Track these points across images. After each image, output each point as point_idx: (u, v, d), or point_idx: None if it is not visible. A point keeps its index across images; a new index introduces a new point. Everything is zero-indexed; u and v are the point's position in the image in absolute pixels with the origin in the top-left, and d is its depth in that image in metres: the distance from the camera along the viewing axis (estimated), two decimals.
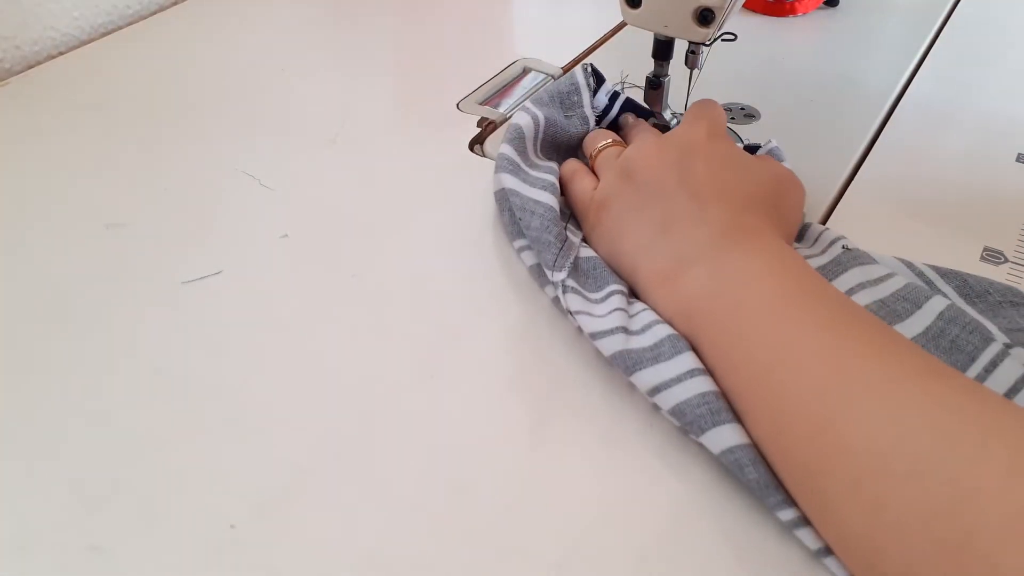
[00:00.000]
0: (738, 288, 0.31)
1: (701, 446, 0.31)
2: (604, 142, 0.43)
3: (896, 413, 0.25)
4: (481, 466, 0.30)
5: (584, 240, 0.39)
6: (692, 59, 0.43)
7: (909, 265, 0.37)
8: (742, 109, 0.52)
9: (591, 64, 0.47)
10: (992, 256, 0.41)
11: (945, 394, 0.25)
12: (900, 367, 0.27)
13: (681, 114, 0.48)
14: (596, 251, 0.38)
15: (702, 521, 0.29)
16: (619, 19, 0.42)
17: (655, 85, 0.46)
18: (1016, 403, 0.26)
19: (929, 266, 0.36)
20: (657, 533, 0.28)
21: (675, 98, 0.47)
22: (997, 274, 0.40)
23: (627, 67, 0.46)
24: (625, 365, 0.32)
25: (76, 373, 0.34)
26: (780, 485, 0.28)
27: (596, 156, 0.42)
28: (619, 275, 0.37)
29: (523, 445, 0.31)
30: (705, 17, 0.39)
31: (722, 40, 0.43)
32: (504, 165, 0.41)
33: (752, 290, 0.31)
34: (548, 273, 0.36)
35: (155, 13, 0.64)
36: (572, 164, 0.43)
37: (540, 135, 0.44)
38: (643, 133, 0.43)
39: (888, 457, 0.24)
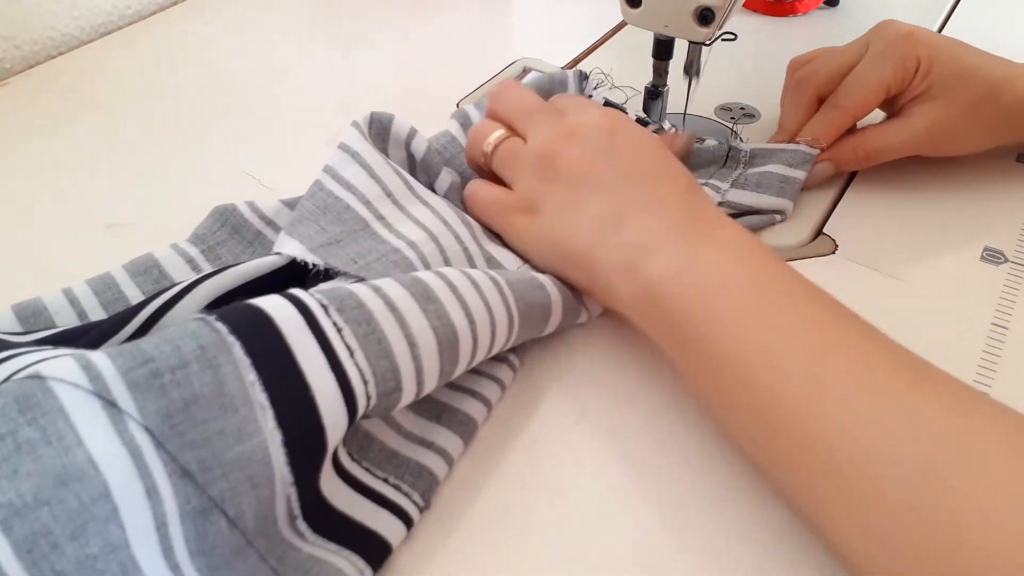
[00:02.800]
0: (710, 278, 0.30)
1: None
2: (497, 133, 0.39)
3: (885, 429, 0.25)
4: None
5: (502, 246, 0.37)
6: (692, 67, 0.43)
7: None
8: (742, 109, 0.52)
9: (582, 71, 0.46)
10: (992, 256, 0.41)
11: (934, 403, 0.25)
12: (886, 375, 0.26)
13: (673, 125, 0.48)
14: (531, 258, 0.36)
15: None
16: (619, 19, 0.42)
17: (654, 95, 0.46)
18: (1003, 404, 0.25)
19: None
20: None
21: (675, 98, 0.47)
22: (997, 274, 0.40)
23: (627, 67, 0.46)
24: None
25: None
26: None
27: (493, 152, 0.38)
28: (568, 279, 0.35)
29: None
30: (705, 17, 0.39)
31: (722, 40, 0.43)
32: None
33: (726, 281, 0.30)
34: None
35: (155, 13, 0.64)
36: (475, 180, 0.40)
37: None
38: (528, 114, 0.38)
39: (880, 482, 0.24)
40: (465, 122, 0.44)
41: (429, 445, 0.30)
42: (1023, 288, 0.39)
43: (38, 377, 0.21)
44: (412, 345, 0.27)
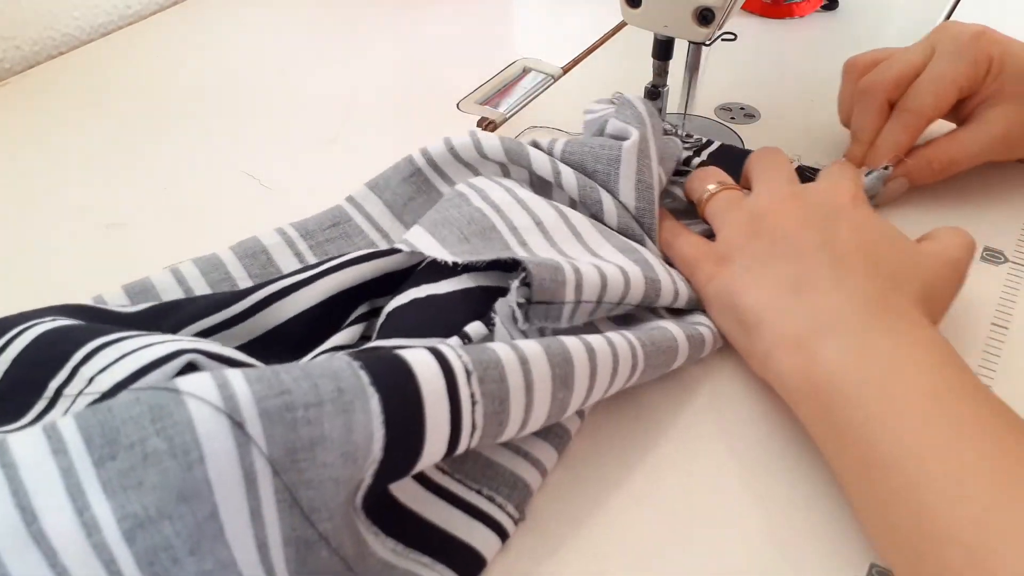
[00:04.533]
0: (887, 376, 0.27)
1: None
2: (714, 185, 0.38)
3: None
4: None
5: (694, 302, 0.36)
6: (692, 59, 0.43)
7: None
8: (742, 109, 0.52)
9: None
10: (992, 256, 0.41)
11: None
12: None
13: (688, 134, 0.48)
14: (708, 308, 0.35)
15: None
16: (619, 19, 0.42)
17: (654, 95, 0.46)
18: None
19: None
20: None
21: (675, 98, 0.47)
22: (997, 274, 0.40)
23: (627, 67, 0.46)
24: None
25: None
26: None
27: (709, 200, 0.38)
28: (730, 336, 0.34)
29: None
30: (705, 17, 0.40)
31: (722, 40, 0.43)
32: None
33: (903, 383, 0.27)
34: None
35: (155, 13, 0.64)
36: (671, 224, 0.39)
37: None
38: (771, 175, 0.37)
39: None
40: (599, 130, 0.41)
41: (524, 455, 0.30)
42: (1023, 288, 0.39)
43: (174, 390, 0.21)
44: (528, 418, 0.27)
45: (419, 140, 0.50)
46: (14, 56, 0.57)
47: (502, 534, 0.27)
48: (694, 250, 0.36)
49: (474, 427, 0.25)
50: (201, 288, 0.35)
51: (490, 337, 0.30)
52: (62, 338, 0.28)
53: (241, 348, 0.31)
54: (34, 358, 0.28)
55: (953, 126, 0.44)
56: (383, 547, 0.26)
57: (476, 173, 0.39)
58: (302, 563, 0.22)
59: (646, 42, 0.44)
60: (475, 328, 0.30)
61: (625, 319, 0.35)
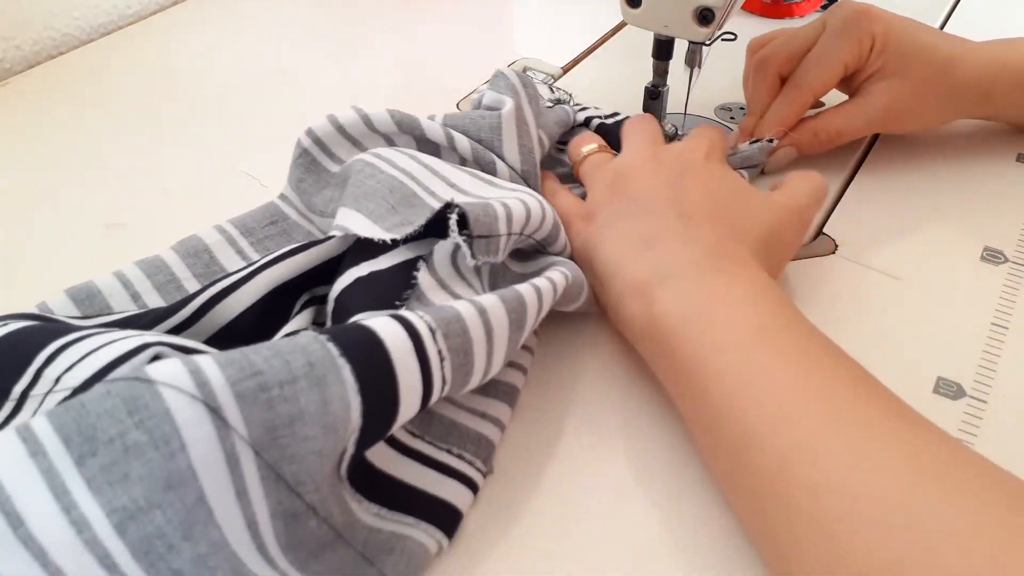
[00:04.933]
0: (714, 310, 0.30)
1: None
2: (589, 147, 0.41)
3: (864, 456, 0.24)
4: None
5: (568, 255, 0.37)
6: (692, 58, 0.43)
7: None
8: (742, 109, 0.52)
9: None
10: (992, 256, 0.41)
11: (915, 441, 0.25)
12: (869, 409, 0.26)
13: (674, 125, 0.48)
14: (578, 264, 0.36)
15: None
16: (619, 19, 0.42)
17: (654, 95, 0.46)
18: (979, 454, 0.24)
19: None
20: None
21: (675, 98, 0.47)
22: (997, 274, 0.40)
23: (628, 67, 0.46)
24: None
25: None
26: None
27: (582, 162, 0.41)
28: (594, 290, 0.35)
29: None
30: (705, 17, 0.39)
31: (722, 40, 0.43)
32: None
33: (727, 315, 0.30)
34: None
35: (155, 13, 0.64)
36: (551, 183, 0.41)
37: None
38: (636, 137, 0.40)
39: (854, 500, 0.23)
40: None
41: (483, 415, 0.31)
42: (1023, 288, 0.39)
43: (147, 380, 0.21)
44: (489, 365, 0.29)
45: None
46: (14, 56, 0.57)
47: (473, 487, 0.29)
48: (568, 207, 0.38)
49: (444, 381, 0.27)
50: (146, 290, 0.35)
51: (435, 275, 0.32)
52: (20, 342, 0.28)
53: None
54: None
55: (845, 97, 0.46)
56: (367, 513, 0.27)
57: (362, 149, 0.39)
58: (292, 535, 0.23)
59: (646, 42, 0.44)
60: (424, 280, 0.31)
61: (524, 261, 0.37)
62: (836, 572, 0.23)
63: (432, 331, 0.26)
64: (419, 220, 0.32)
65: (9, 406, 0.27)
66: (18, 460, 0.20)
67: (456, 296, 0.32)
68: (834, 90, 0.46)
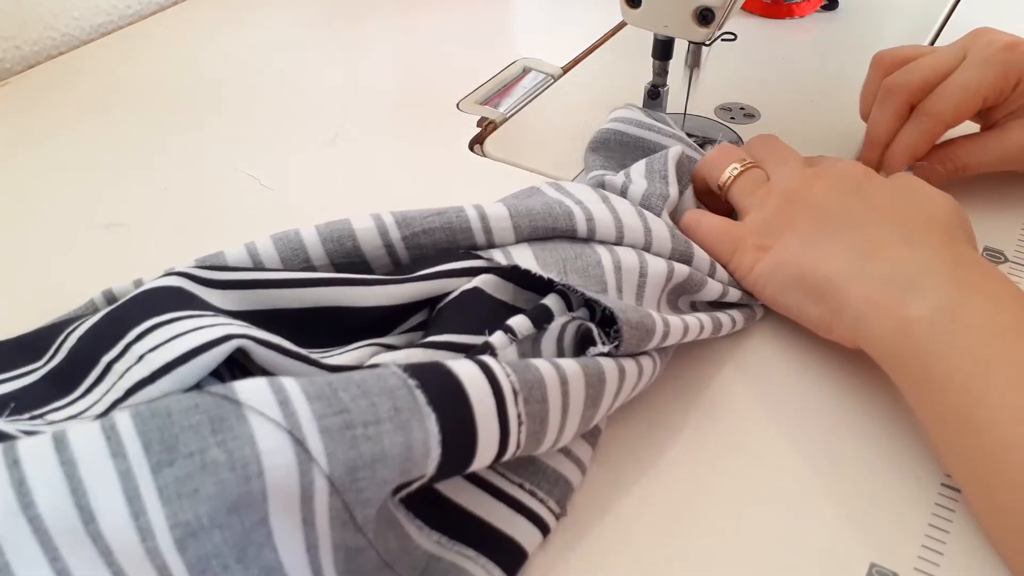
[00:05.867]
0: (982, 343, 0.28)
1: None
2: (735, 165, 0.38)
3: None
4: None
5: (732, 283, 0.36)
6: (693, 58, 0.43)
7: None
8: (742, 109, 0.52)
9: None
10: (992, 256, 0.41)
11: None
12: None
13: (688, 134, 0.48)
14: (760, 291, 0.35)
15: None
16: (619, 19, 0.42)
17: (654, 95, 0.46)
18: None
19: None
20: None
21: (675, 98, 0.47)
22: None
23: (628, 67, 0.46)
24: None
25: None
26: None
27: (733, 181, 0.38)
28: (797, 313, 0.34)
29: None
30: (705, 17, 0.40)
31: (722, 40, 0.43)
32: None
33: (999, 351, 0.27)
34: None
35: (155, 13, 0.64)
36: (695, 212, 0.39)
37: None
38: (784, 158, 0.38)
39: None
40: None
41: (566, 453, 0.30)
42: (1023, 288, 0.39)
43: (235, 401, 0.21)
44: (560, 437, 0.28)
45: (419, 140, 0.50)
46: (14, 56, 0.57)
47: (543, 528, 0.28)
48: (727, 232, 0.36)
49: (518, 445, 0.26)
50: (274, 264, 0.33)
51: (537, 336, 0.30)
52: (120, 317, 0.29)
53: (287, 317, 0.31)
54: (93, 333, 0.29)
55: (976, 127, 0.44)
56: (428, 540, 0.27)
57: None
58: (350, 562, 0.23)
59: (646, 42, 0.44)
60: (520, 324, 0.30)
61: None
62: None
63: (515, 392, 0.25)
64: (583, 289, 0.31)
65: (92, 377, 0.28)
66: (100, 457, 0.20)
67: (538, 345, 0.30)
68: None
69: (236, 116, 0.51)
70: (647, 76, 0.45)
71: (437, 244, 0.33)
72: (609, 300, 0.30)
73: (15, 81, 0.55)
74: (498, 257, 0.33)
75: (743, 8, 0.64)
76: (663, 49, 0.44)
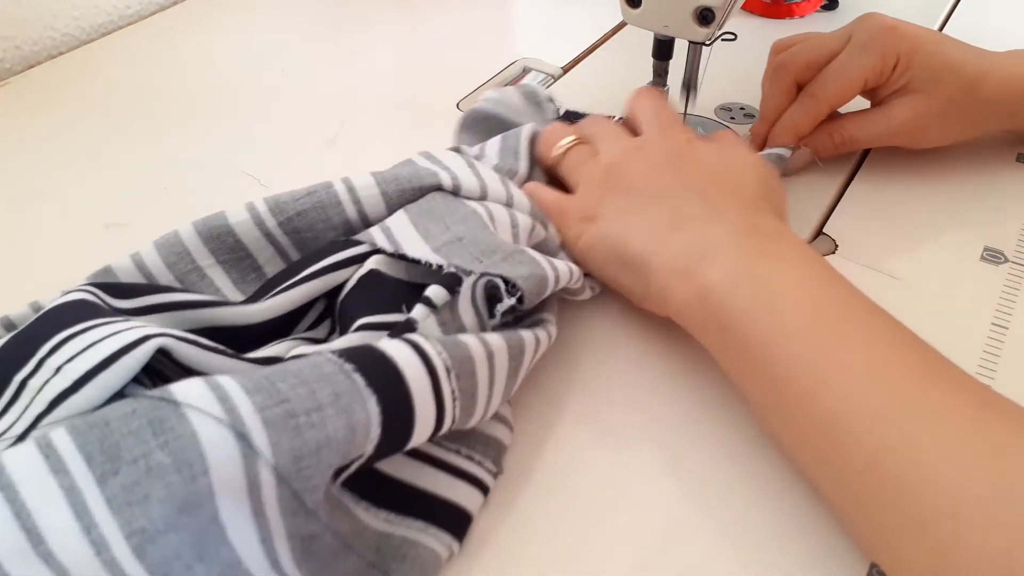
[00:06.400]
0: (774, 299, 0.29)
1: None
2: (567, 139, 0.40)
3: (955, 448, 0.24)
4: None
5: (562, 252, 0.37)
6: (693, 62, 0.43)
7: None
8: (742, 109, 0.52)
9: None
10: (992, 256, 0.41)
11: (1001, 428, 0.24)
12: (953, 396, 0.26)
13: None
14: (584, 263, 0.36)
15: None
16: (619, 19, 0.42)
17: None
18: None
19: None
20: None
21: (674, 102, 0.47)
22: (997, 274, 0.40)
23: (628, 67, 0.46)
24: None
25: None
26: None
27: (564, 155, 0.40)
28: (618, 284, 0.36)
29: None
30: (705, 17, 0.39)
31: (722, 40, 0.43)
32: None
33: (790, 303, 0.29)
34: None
35: (155, 13, 0.64)
36: (531, 184, 0.40)
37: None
38: (609, 136, 0.39)
39: (954, 498, 0.23)
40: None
41: (493, 416, 0.31)
42: (1023, 288, 0.39)
43: (172, 402, 0.21)
44: (487, 410, 0.29)
45: (419, 140, 0.50)
46: (14, 56, 0.57)
47: (484, 489, 0.29)
48: (559, 205, 0.38)
49: (453, 420, 0.27)
50: (167, 280, 0.34)
51: (453, 302, 0.30)
52: (27, 337, 0.28)
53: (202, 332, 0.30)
54: (2, 355, 0.28)
55: (867, 103, 0.46)
56: (376, 519, 0.27)
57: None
58: (306, 550, 0.23)
59: (646, 42, 0.44)
60: (437, 294, 0.30)
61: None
62: (945, 569, 0.23)
63: (448, 369, 0.26)
64: (465, 264, 0.31)
65: (8, 394, 0.27)
66: (40, 476, 0.20)
67: (461, 321, 0.31)
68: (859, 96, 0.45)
69: (236, 116, 0.51)
70: (647, 76, 0.45)
71: (313, 224, 0.34)
72: (496, 267, 0.31)
73: (15, 81, 0.55)
74: (379, 239, 0.33)
75: (743, 8, 0.64)
76: (663, 49, 0.44)
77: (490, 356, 0.28)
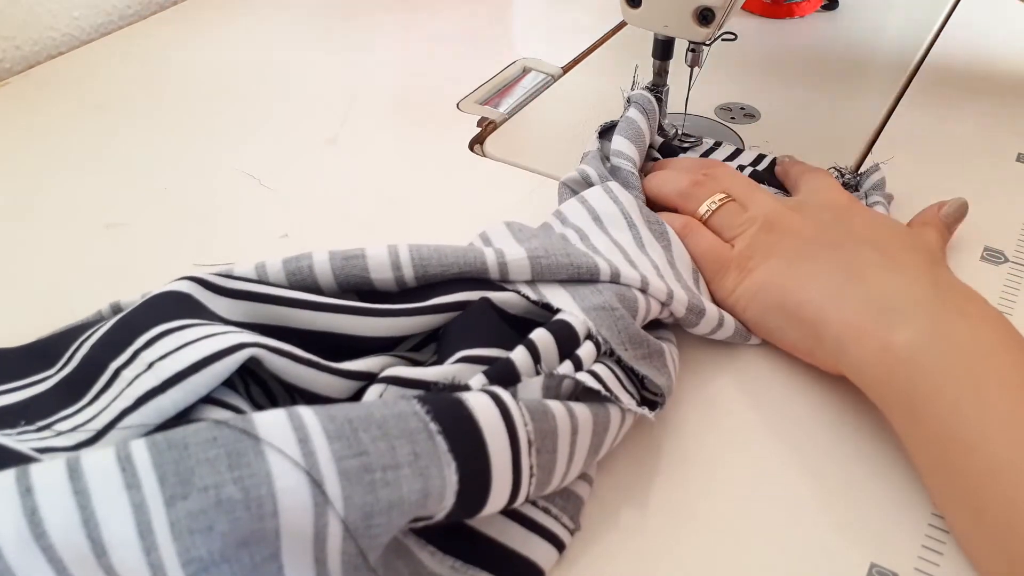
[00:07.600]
0: (972, 362, 0.27)
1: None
2: (719, 196, 0.37)
3: None
4: None
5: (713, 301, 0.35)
6: (692, 57, 0.43)
7: None
8: (742, 109, 0.52)
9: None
10: (992, 256, 0.41)
11: None
12: None
13: (685, 134, 0.48)
14: (742, 313, 0.35)
15: None
16: (619, 19, 0.42)
17: (654, 96, 0.45)
18: None
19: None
20: None
21: (675, 98, 0.47)
22: (997, 274, 0.40)
23: (627, 67, 0.46)
24: None
25: None
26: None
27: (715, 212, 0.37)
28: (777, 336, 0.34)
29: None
30: (705, 17, 0.39)
31: (722, 40, 0.43)
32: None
33: (987, 368, 0.27)
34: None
35: (155, 13, 0.64)
36: (682, 217, 0.38)
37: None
38: (757, 190, 0.38)
39: None
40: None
41: None
42: (1023, 288, 0.39)
43: (254, 436, 0.21)
44: (559, 486, 0.28)
45: (419, 140, 0.50)
46: (14, 56, 0.57)
47: (559, 545, 0.27)
48: (715, 252, 0.36)
49: (527, 496, 0.26)
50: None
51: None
52: (128, 322, 0.28)
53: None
54: (103, 340, 0.28)
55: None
56: (441, 565, 0.26)
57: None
58: None
59: (646, 42, 0.44)
60: (542, 338, 0.29)
61: None
62: None
63: (530, 443, 0.25)
64: (612, 341, 0.30)
65: (103, 380, 0.27)
66: (114, 488, 0.20)
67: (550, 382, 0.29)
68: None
69: (236, 116, 0.51)
70: (647, 76, 0.45)
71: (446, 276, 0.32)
72: (638, 363, 0.30)
73: (15, 81, 0.55)
74: (524, 287, 0.31)
75: (743, 8, 0.64)
76: (663, 49, 0.44)
77: (574, 431, 0.27)
